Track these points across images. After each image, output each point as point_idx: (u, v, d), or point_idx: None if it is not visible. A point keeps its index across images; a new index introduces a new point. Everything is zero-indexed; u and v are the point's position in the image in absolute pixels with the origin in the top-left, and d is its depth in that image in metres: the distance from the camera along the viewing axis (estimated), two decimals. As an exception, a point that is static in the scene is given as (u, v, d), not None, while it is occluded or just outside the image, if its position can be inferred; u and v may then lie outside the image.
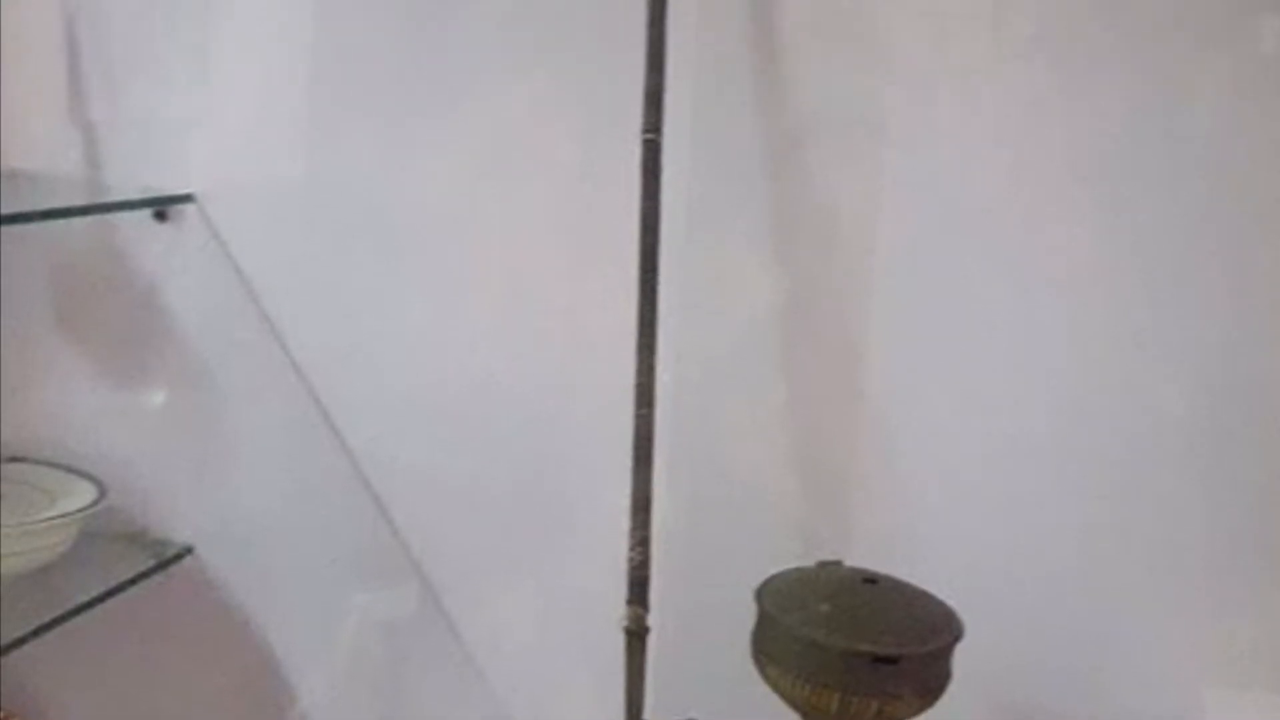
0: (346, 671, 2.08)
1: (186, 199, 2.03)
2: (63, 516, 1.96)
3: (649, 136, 1.74)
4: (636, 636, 1.70)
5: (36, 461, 2.10)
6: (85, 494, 2.02)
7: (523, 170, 1.91)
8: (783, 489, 1.86)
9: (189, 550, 2.10)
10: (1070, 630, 1.79)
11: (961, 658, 1.57)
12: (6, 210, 1.77)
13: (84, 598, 1.93)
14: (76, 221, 1.98)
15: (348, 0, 1.96)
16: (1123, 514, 1.76)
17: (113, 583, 1.98)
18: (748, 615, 1.61)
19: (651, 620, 1.70)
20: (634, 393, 1.71)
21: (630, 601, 1.70)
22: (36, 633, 1.83)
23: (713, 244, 1.85)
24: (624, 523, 1.71)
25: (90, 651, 2.11)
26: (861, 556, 1.70)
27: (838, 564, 1.68)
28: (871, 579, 1.62)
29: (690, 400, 1.85)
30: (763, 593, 1.62)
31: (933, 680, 1.55)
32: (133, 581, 2.01)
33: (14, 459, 2.10)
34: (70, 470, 2.07)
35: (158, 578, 2.06)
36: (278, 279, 2.03)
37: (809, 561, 1.69)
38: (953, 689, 1.57)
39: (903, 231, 1.79)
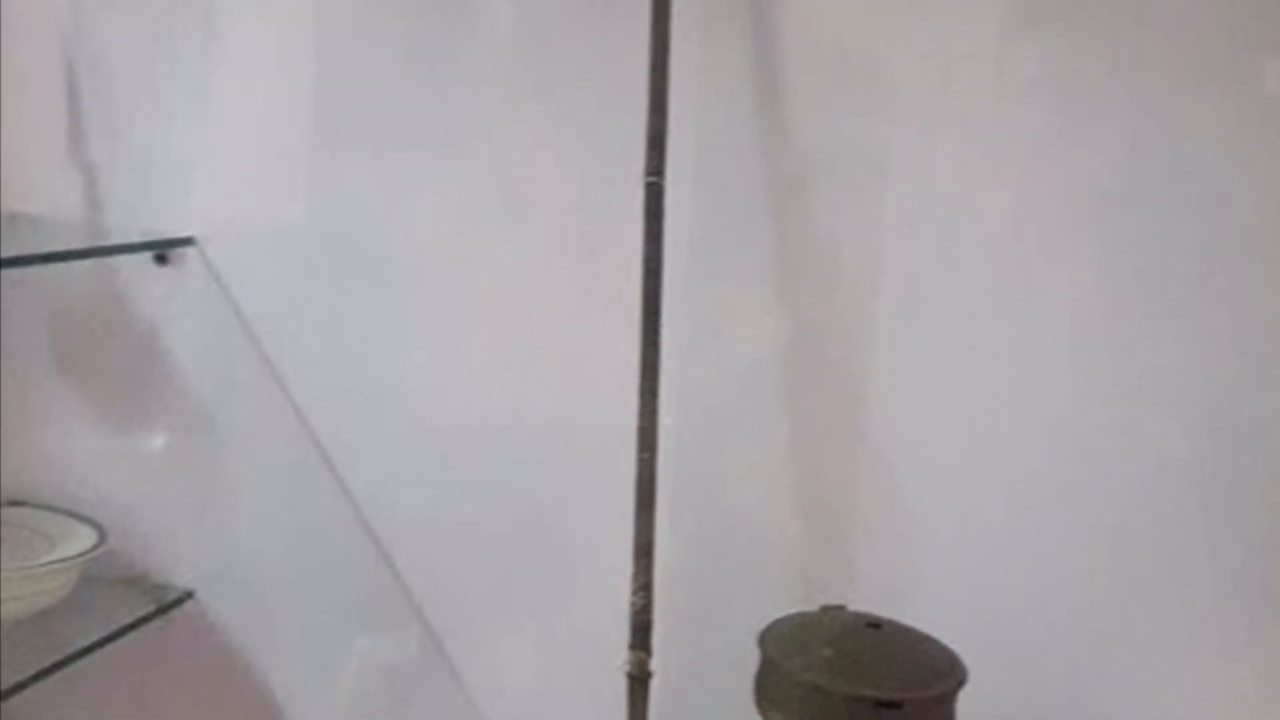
0: (348, 716, 2.06)
1: (187, 242, 2.03)
2: (63, 561, 1.95)
3: (651, 180, 1.74)
4: (639, 682, 1.69)
5: (37, 506, 2.09)
6: (86, 538, 2.01)
7: (524, 211, 1.91)
8: (785, 532, 1.85)
9: (190, 594, 2.09)
10: (1074, 674, 1.77)
11: (965, 703, 1.56)
12: (7, 253, 1.76)
13: (85, 642, 1.92)
14: (76, 264, 1.97)
15: (348, 40, 1.96)
16: (1126, 556, 1.75)
17: (113, 627, 1.97)
18: (750, 660, 1.60)
19: (654, 665, 1.69)
20: (636, 436, 1.71)
21: (633, 646, 1.69)
22: (37, 677, 1.82)
23: (715, 286, 1.85)
24: (626, 566, 1.70)
25: (91, 696, 2.09)
26: (865, 600, 1.69)
27: (841, 609, 1.67)
28: (875, 623, 1.61)
29: (692, 443, 1.84)
30: (765, 637, 1.61)
31: (937, 726, 1.54)
32: (133, 626, 2.00)
33: (14, 503, 2.10)
34: (70, 514, 2.07)
35: (158, 622, 2.05)
36: (278, 321, 2.03)
37: (812, 606, 1.68)
38: (957, 734, 1.56)
39: (905, 273, 1.79)
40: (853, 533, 1.84)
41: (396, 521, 2.01)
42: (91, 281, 2.06)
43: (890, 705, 1.50)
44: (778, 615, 1.65)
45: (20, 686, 1.80)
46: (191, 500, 2.08)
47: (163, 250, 2.03)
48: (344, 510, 2.01)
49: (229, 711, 2.10)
